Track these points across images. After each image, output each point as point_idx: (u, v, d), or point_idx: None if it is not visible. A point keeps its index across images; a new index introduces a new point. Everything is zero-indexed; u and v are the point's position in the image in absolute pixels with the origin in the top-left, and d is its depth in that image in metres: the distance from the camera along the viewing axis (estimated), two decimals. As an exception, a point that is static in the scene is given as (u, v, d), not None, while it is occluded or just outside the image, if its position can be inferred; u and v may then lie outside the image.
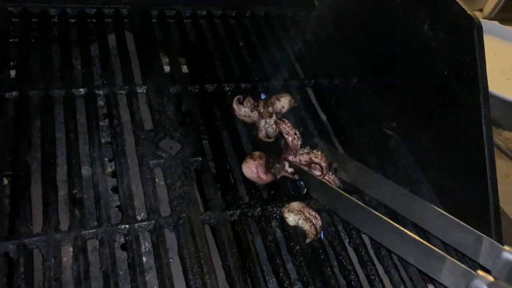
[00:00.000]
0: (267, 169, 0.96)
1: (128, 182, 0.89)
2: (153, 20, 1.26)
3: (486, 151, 0.92)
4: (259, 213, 0.92)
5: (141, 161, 0.93)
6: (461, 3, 0.95)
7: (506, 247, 0.75)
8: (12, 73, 1.03)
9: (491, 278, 0.69)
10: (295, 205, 0.92)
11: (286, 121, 1.04)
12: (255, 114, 1.07)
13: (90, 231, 0.81)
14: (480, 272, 0.70)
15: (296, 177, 0.99)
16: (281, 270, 0.84)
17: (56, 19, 1.17)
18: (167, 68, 1.17)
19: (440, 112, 1.05)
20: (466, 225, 0.81)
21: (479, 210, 0.95)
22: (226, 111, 1.08)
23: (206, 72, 1.16)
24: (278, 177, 0.98)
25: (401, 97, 1.19)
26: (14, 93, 0.98)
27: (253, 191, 0.95)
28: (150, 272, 0.83)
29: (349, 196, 0.89)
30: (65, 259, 0.79)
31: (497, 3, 2.08)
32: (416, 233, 0.88)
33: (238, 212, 0.91)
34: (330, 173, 0.99)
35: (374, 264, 0.90)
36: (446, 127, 1.05)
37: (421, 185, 1.08)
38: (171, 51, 1.19)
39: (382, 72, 1.23)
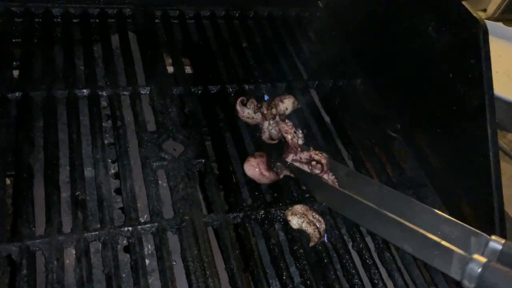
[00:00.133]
0: (269, 167, 0.96)
1: (131, 184, 0.89)
2: (156, 21, 1.25)
3: (491, 155, 0.92)
4: (262, 216, 0.91)
5: (144, 162, 0.93)
6: (466, 6, 0.95)
7: (493, 237, 0.76)
8: (15, 73, 1.03)
9: (484, 259, 0.70)
10: (299, 208, 0.92)
11: (287, 120, 1.04)
12: (258, 116, 1.06)
13: (93, 233, 0.81)
14: (474, 256, 0.71)
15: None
16: (284, 273, 0.84)
17: (59, 19, 1.17)
18: (170, 69, 1.16)
19: (445, 115, 1.05)
20: (453, 218, 0.82)
21: (483, 213, 0.95)
22: (229, 113, 1.08)
23: (210, 73, 1.16)
24: (281, 176, 0.98)
25: (405, 100, 1.18)
26: (17, 94, 0.97)
27: (256, 193, 0.95)
28: (153, 274, 0.83)
29: (344, 191, 0.90)
30: (67, 261, 0.79)
31: (501, 3, 2.07)
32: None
33: (241, 214, 0.90)
34: (330, 173, 0.98)
35: (377, 268, 0.90)
36: (450, 130, 1.04)
37: (425, 188, 1.08)
38: (174, 51, 1.19)
39: (386, 74, 1.23)
